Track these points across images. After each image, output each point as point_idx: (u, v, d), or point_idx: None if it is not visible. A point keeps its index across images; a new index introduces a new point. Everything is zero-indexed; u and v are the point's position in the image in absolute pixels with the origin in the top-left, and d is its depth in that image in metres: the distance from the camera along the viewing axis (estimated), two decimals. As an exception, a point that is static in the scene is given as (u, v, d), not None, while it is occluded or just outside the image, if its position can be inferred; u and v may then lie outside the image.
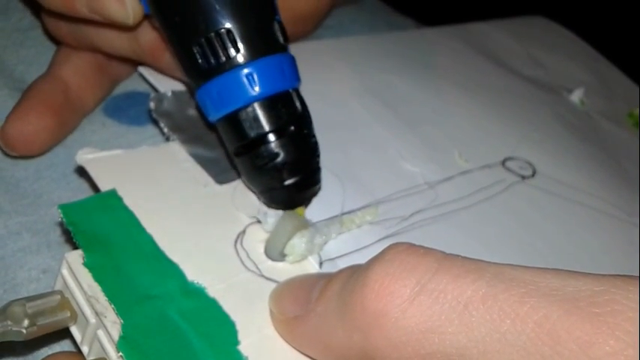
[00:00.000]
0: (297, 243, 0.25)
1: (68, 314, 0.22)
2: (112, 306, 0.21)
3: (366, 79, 0.37)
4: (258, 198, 0.26)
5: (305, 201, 0.26)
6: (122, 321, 0.21)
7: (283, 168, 0.25)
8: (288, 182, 0.25)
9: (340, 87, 0.36)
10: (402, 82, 0.38)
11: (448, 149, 0.34)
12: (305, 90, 0.26)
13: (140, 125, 0.32)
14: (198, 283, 0.23)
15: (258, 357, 0.21)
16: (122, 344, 0.20)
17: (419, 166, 0.32)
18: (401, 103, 0.36)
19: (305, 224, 0.25)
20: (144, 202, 0.25)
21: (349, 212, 0.28)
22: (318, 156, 0.26)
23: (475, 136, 0.36)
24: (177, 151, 0.28)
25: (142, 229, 0.24)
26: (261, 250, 0.25)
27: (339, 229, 0.27)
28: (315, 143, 0.26)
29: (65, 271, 0.22)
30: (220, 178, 0.27)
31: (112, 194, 0.24)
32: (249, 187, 0.26)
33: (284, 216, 0.25)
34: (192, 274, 0.23)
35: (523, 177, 0.34)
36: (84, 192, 0.29)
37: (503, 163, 0.35)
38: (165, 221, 0.24)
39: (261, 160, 0.24)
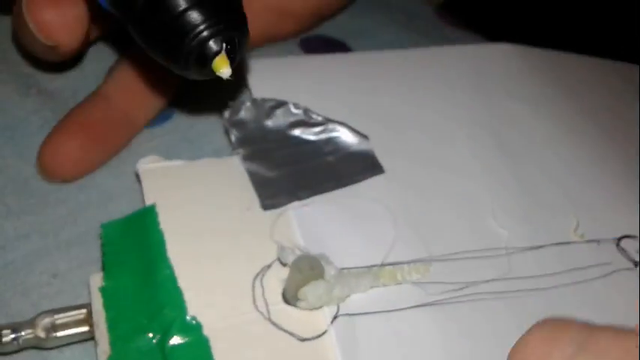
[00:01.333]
0: (311, 291, 0.23)
1: (87, 329, 0.23)
2: (108, 335, 0.22)
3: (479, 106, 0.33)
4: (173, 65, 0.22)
5: (219, 45, 0.22)
6: (110, 353, 0.21)
7: (199, 13, 0.21)
8: (205, 26, 0.21)
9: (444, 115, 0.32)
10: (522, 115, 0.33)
11: (561, 214, 0.29)
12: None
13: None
14: (197, 319, 0.22)
15: None
16: None
17: (510, 227, 0.28)
18: (514, 143, 0.32)
19: (320, 272, 0.23)
20: (179, 221, 0.25)
21: (393, 264, 0.25)
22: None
23: (594, 201, 0.30)
24: (235, 166, 0.27)
25: (164, 254, 0.24)
26: (280, 290, 0.24)
27: (372, 282, 0.24)
28: None
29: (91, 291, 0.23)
30: (267, 203, 0.26)
31: (151, 211, 0.25)
32: (159, 58, 0.23)
33: (300, 257, 0.24)
34: (197, 307, 0.23)
35: (637, 264, 0.28)
36: (89, 188, 0.28)
37: (618, 241, 0.29)
38: (192, 245, 0.24)
39: (169, 13, 0.21)
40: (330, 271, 0.24)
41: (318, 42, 0.37)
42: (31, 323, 0.23)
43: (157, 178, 0.26)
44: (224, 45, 0.22)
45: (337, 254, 0.24)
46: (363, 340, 0.23)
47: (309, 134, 0.29)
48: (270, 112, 0.29)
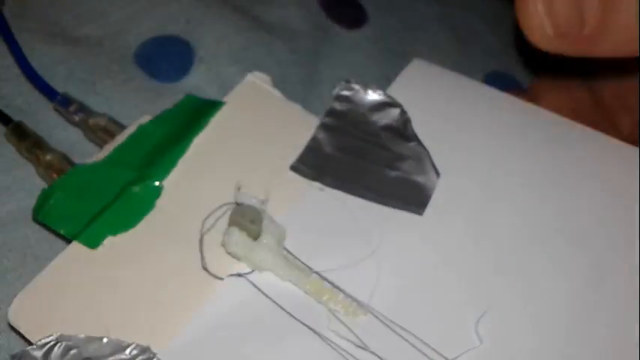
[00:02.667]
0: (231, 235, 0.24)
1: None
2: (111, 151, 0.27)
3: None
4: None
5: None
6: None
7: None
8: None
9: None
10: None
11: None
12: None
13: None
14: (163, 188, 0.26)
15: None
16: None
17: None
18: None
19: (257, 231, 0.24)
20: (222, 128, 0.28)
21: (335, 286, 0.23)
22: None
23: None
24: (307, 122, 0.28)
25: (191, 138, 0.27)
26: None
27: (295, 277, 0.24)
28: None
29: None
30: (296, 165, 0.27)
31: (219, 105, 0.29)
32: None
33: (252, 207, 0.24)
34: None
35: None
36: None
37: None
38: (211, 147, 0.27)
39: None
40: (266, 239, 0.24)
41: None
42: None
43: (246, 93, 0.29)
44: None
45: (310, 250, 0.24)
46: (234, 310, 0.23)
47: (393, 144, 0.28)
48: (378, 107, 0.29)
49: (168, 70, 0.32)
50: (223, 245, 0.24)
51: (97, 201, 0.26)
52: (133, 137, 0.28)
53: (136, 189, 0.26)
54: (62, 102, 0.29)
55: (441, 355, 0.22)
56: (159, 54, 0.32)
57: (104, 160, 0.27)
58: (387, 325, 0.23)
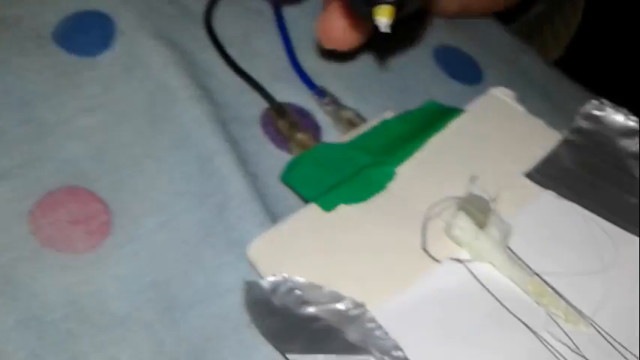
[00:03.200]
0: (460, 220, 0.24)
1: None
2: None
3: None
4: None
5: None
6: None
7: None
8: None
9: None
10: None
11: None
12: None
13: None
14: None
15: None
16: None
17: None
18: None
19: (482, 220, 0.24)
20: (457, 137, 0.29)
21: (558, 293, 0.22)
22: None
23: None
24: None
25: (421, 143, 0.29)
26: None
27: (516, 275, 0.23)
28: None
29: None
30: (532, 173, 0.26)
31: (459, 112, 0.29)
32: None
33: (483, 198, 0.24)
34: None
35: None
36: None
37: None
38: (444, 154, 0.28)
39: None
40: (491, 230, 0.24)
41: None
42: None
43: (489, 104, 0.30)
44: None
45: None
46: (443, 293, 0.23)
47: (637, 171, 0.26)
48: (629, 132, 0.27)
49: (88, 45, 0.31)
50: (447, 230, 0.24)
51: (335, 175, 0.28)
52: (375, 128, 0.30)
53: (372, 171, 0.28)
54: (319, 94, 0.33)
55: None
56: (78, 29, 0.31)
57: (347, 143, 0.29)
58: (610, 343, 0.21)
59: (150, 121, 0.29)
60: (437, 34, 0.37)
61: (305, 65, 0.32)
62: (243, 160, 0.28)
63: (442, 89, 0.33)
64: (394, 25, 0.24)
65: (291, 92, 0.31)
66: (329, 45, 0.30)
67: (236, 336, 0.24)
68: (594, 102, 0.28)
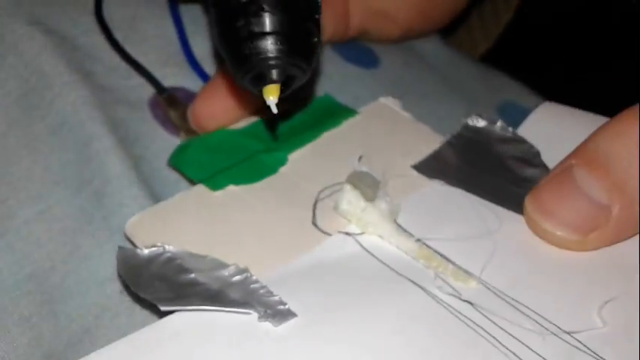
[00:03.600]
0: (346, 193, 0.24)
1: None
2: None
3: None
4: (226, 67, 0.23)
5: (280, 77, 0.22)
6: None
7: (266, 20, 0.21)
8: (264, 38, 0.21)
9: None
10: None
11: None
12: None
13: None
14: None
15: None
16: None
17: None
18: None
19: (371, 195, 0.23)
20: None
21: (444, 257, 0.22)
22: (317, 35, 0.22)
23: None
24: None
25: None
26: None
27: (403, 243, 0.23)
28: (317, 20, 0.22)
29: None
30: (419, 166, 0.27)
31: (348, 112, 0.30)
32: (221, 51, 0.23)
33: (369, 174, 0.24)
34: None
35: None
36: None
37: None
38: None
39: (242, 21, 0.21)
40: (379, 204, 0.23)
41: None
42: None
43: (378, 109, 0.30)
44: (282, 78, 0.22)
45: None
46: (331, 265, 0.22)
47: (518, 168, 0.27)
48: (507, 140, 0.28)
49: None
50: (336, 206, 0.24)
51: (226, 159, 0.27)
52: (270, 118, 0.29)
53: (264, 156, 0.27)
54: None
55: (556, 325, 0.20)
56: None
57: (240, 130, 0.29)
58: (499, 296, 0.21)
59: (24, 109, 0.27)
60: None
61: (196, 51, 0.32)
62: (129, 143, 0.28)
63: (339, 72, 0.34)
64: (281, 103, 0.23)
65: (182, 77, 0.31)
66: (210, 128, 0.28)
67: (116, 324, 0.23)
68: (474, 116, 0.29)
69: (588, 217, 0.22)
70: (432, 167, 0.27)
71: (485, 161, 0.27)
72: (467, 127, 0.28)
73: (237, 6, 0.21)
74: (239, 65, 0.22)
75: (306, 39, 0.22)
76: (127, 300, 0.24)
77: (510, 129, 0.28)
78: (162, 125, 0.29)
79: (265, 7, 0.21)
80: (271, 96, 0.23)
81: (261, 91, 0.23)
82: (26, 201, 0.25)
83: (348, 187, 0.24)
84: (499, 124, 0.28)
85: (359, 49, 0.36)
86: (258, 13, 0.21)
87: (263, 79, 0.22)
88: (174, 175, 0.28)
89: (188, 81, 0.31)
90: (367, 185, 0.24)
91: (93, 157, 0.26)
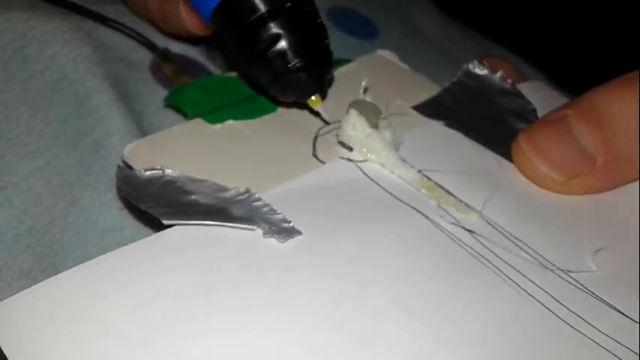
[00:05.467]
0: (351, 118, 0.23)
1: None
2: None
3: None
4: (269, 91, 0.25)
5: (317, 88, 0.24)
6: None
7: (287, 50, 0.23)
8: (293, 64, 0.23)
9: None
10: None
11: None
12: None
13: None
14: None
15: None
16: None
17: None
18: None
19: (374, 123, 0.23)
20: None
21: (450, 192, 0.22)
22: (326, 37, 0.24)
23: None
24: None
25: None
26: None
27: (407, 174, 0.23)
28: (321, 24, 0.24)
29: None
30: (418, 105, 0.27)
31: None
32: (256, 81, 0.25)
33: (373, 103, 0.24)
34: None
35: None
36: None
37: None
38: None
39: (262, 45, 0.23)
40: (384, 133, 0.23)
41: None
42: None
43: (375, 60, 0.30)
44: (319, 88, 0.25)
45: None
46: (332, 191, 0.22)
47: (515, 123, 0.27)
48: (506, 93, 0.28)
49: None
50: (340, 132, 0.24)
51: (223, 100, 0.27)
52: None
53: (262, 99, 0.27)
54: (208, 49, 0.31)
55: (553, 264, 0.20)
56: None
57: (237, 77, 0.28)
58: (499, 230, 0.21)
59: (22, 64, 0.27)
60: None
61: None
62: (130, 100, 0.27)
63: (338, 44, 0.33)
64: None
65: (179, 45, 0.31)
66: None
67: None
68: (475, 62, 0.29)
69: (574, 161, 0.23)
70: (431, 109, 0.27)
71: (483, 110, 0.27)
72: (468, 73, 0.28)
73: (264, 45, 0.23)
74: (282, 91, 0.24)
75: (322, 45, 0.24)
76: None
77: (509, 80, 0.28)
78: (163, 87, 0.29)
79: (282, 34, 0.23)
80: (317, 105, 0.25)
81: (306, 104, 0.25)
82: (25, 156, 0.25)
83: (354, 112, 0.23)
84: (499, 74, 0.28)
85: (358, 21, 0.36)
86: (282, 45, 0.23)
87: (305, 95, 0.25)
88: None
89: (187, 50, 0.31)
90: (371, 112, 0.24)
91: (92, 111, 0.26)
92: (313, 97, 0.25)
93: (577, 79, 0.31)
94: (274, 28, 0.23)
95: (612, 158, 0.23)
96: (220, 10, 0.24)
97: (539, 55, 0.40)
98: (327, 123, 0.25)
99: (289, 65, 0.23)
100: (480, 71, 0.28)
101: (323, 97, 0.25)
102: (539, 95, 0.28)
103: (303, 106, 0.26)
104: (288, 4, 0.23)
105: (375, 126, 0.23)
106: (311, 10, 0.24)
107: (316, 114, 0.25)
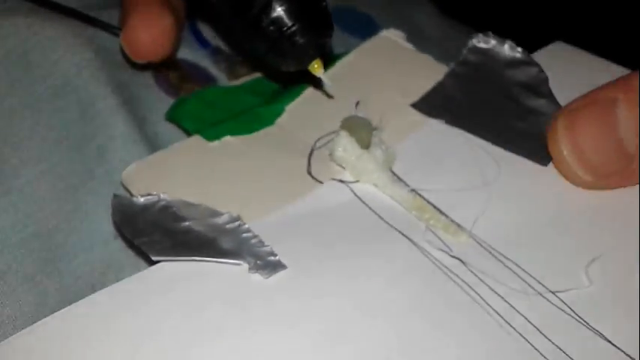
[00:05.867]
0: (342, 139, 0.23)
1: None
2: None
3: None
4: (267, 61, 0.24)
5: (316, 52, 0.23)
6: None
7: (281, 14, 0.22)
8: (288, 28, 0.22)
9: None
10: None
11: None
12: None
13: None
14: None
15: None
16: None
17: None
18: None
19: (366, 142, 0.23)
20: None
21: (440, 211, 0.22)
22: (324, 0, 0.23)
23: None
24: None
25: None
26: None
27: (397, 192, 0.23)
28: None
29: None
30: (418, 104, 0.26)
31: None
32: (255, 54, 0.24)
33: (367, 121, 0.24)
34: None
35: None
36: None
37: None
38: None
39: (256, 9, 0.22)
40: (374, 152, 0.23)
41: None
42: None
43: (378, 44, 0.29)
44: (319, 51, 0.24)
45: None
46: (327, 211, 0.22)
47: (524, 98, 0.26)
48: (515, 63, 0.27)
49: None
50: (331, 152, 0.24)
51: (223, 113, 0.27)
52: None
53: (261, 109, 0.27)
54: (213, 52, 0.32)
55: (543, 285, 0.20)
56: None
57: (238, 86, 0.29)
58: (488, 251, 0.21)
59: (25, 70, 0.27)
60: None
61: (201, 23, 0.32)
62: (132, 105, 0.27)
63: (339, 43, 0.33)
64: None
65: (185, 50, 0.31)
66: (137, 59, 0.28)
67: (121, 280, 0.23)
68: (481, 35, 0.28)
69: (609, 163, 0.22)
70: (432, 104, 0.26)
71: (490, 91, 0.26)
72: (473, 48, 0.28)
73: (257, 12, 0.23)
74: (281, 58, 0.24)
75: (320, 7, 0.23)
76: (131, 255, 0.24)
77: (520, 49, 0.27)
78: (165, 92, 0.29)
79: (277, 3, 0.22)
80: (318, 71, 0.24)
81: (308, 71, 0.24)
82: (29, 161, 0.25)
83: (343, 134, 0.24)
84: (508, 43, 0.27)
85: (361, 21, 0.36)
86: (275, 10, 0.22)
87: (304, 61, 0.24)
88: (177, 137, 0.28)
89: (191, 54, 0.31)
90: (363, 131, 0.24)
91: (96, 116, 0.27)
92: (316, 66, 0.24)
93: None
94: None
95: None
96: None
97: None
98: (330, 97, 0.25)
99: (284, 29, 0.22)
100: (486, 44, 0.28)
101: (325, 64, 0.24)
102: (562, 59, 0.28)
103: (307, 77, 0.25)
104: None
105: (367, 145, 0.23)
106: None
107: (319, 85, 0.25)
